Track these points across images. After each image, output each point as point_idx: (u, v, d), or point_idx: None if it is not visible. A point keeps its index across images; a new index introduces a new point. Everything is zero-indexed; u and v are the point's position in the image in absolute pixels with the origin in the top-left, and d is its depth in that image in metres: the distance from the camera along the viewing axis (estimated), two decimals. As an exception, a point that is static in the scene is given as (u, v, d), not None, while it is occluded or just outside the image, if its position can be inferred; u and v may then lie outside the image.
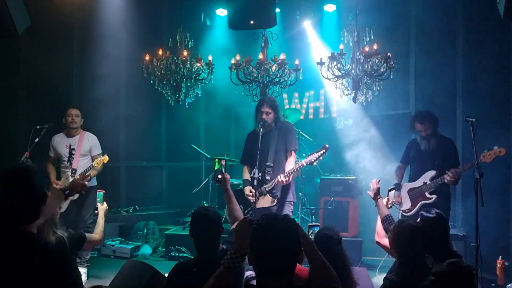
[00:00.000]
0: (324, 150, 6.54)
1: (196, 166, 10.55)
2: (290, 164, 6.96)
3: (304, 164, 6.58)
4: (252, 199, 6.75)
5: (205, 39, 9.76)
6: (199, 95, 7.72)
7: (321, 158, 6.58)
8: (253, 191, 6.70)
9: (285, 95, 10.81)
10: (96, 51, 9.00)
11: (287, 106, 10.79)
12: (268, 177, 6.92)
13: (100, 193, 5.52)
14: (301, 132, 9.51)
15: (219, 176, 5.08)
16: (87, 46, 9.09)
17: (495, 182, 7.05)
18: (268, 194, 6.86)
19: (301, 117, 10.32)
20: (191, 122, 10.71)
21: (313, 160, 6.51)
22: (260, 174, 6.66)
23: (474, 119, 5.64)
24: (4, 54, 8.35)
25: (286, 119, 7.89)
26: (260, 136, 6.82)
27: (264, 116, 7.02)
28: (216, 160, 5.19)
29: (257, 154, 6.67)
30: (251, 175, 6.71)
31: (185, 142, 10.47)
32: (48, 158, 7.28)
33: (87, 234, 5.10)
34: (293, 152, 7.11)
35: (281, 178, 6.66)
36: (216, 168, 5.16)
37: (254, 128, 7.20)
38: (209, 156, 9.65)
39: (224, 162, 5.15)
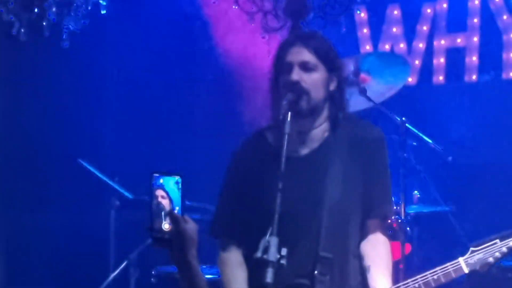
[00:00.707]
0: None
1: (90, 222, 7.50)
2: (378, 249, 3.33)
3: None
4: None
5: None
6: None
7: None
8: None
9: (365, 31, 7.71)
10: None
11: (366, 49, 7.61)
12: None
13: None
14: (410, 127, 5.62)
15: (166, 226, 2.24)
16: None
17: None
18: None
19: (410, 79, 6.79)
20: (82, 99, 7.74)
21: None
22: (282, 258, 2.83)
23: None
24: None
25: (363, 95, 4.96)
26: (285, 149, 3.03)
27: (294, 76, 3.26)
28: (157, 178, 2.29)
29: (278, 201, 2.94)
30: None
31: (55, 154, 7.56)
32: None
33: None
34: (382, 221, 3.45)
35: None
36: (155, 201, 2.28)
37: (259, 130, 3.53)
38: (129, 196, 6.22)
39: (177, 185, 2.27)
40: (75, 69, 7.69)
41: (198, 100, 8.22)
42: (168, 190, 2.30)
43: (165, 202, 2.30)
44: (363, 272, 3.34)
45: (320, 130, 3.42)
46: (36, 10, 5.42)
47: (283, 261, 2.82)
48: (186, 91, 8.07)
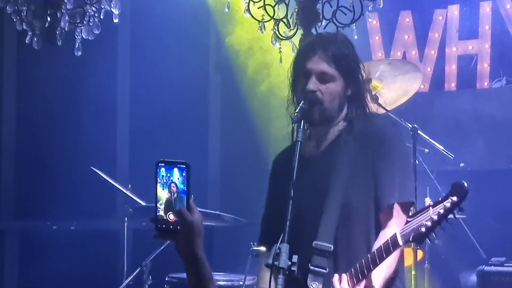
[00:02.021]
0: (455, 197, 3.01)
1: (104, 229, 7.61)
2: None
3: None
4: None
5: None
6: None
7: (451, 214, 3.03)
8: None
9: (377, 38, 7.78)
10: None
11: (378, 56, 7.70)
12: (315, 285, 3.16)
13: None
14: (421, 133, 5.56)
15: (171, 216, 2.18)
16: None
17: None
18: None
19: (422, 86, 6.74)
20: (95, 107, 7.79)
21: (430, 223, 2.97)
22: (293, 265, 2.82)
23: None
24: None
25: (376, 100, 4.84)
26: (297, 157, 3.04)
27: (312, 86, 3.30)
28: (162, 168, 2.25)
29: (289, 208, 2.98)
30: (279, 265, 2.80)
31: (69, 162, 7.64)
32: None
33: None
34: (395, 209, 3.33)
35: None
36: (160, 191, 2.23)
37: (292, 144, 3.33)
38: (142, 203, 6.01)
39: (184, 175, 2.21)
40: (88, 77, 7.72)
41: (212, 107, 8.24)
42: (174, 179, 2.25)
43: (170, 192, 2.24)
44: None
45: (335, 129, 3.44)
46: (49, 19, 5.45)
47: (294, 268, 2.83)
48: (200, 98, 8.08)
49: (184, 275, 5.81)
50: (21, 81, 8.06)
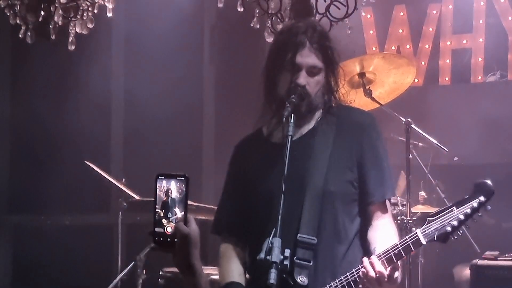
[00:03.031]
0: (482, 197, 3.07)
1: (98, 224, 7.55)
2: (383, 232, 3.25)
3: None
4: None
5: None
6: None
7: (473, 217, 3.08)
8: None
9: (371, 32, 7.78)
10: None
11: (372, 50, 7.72)
12: (302, 278, 3.07)
13: None
14: (415, 127, 5.55)
15: (168, 229, 2.22)
16: None
17: None
18: None
19: (416, 80, 6.75)
20: (89, 101, 7.79)
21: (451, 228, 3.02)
22: (285, 259, 2.80)
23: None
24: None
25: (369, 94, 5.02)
26: (289, 144, 3.01)
27: (301, 79, 3.25)
28: (162, 181, 2.24)
29: (280, 198, 2.92)
30: (266, 256, 2.77)
31: (63, 157, 7.58)
32: None
33: None
34: (386, 203, 3.34)
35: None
36: (158, 204, 2.24)
37: (260, 127, 3.48)
38: (136, 198, 5.99)
39: (182, 187, 2.21)
40: (82, 71, 7.71)
41: (206, 102, 8.23)
42: (173, 192, 2.27)
43: (168, 205, 2.27)
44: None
45: (312, 116, 3.40)
46: (42, 13, 5.44)
47: (286, 262, 2.82)
48: (194, 92, 8.07)
49: (176, 269, 5.80)
50: (14, 76, 8.05)
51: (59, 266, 7.25)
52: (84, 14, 5.51)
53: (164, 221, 2.27)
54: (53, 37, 5.64)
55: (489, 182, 3.15)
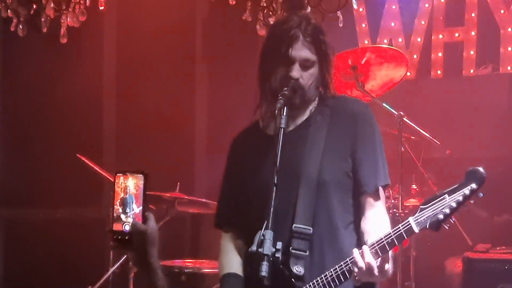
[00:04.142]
0: (474, 184, 3.08)
1: (89, 217, 7.50)
2: (375, 223, 3.24)
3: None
4: None
5: None
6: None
7: (465, 204, 3.07)
8: None
9: (363, 25, 7.77)
10: None
11: (364, 43, 7.69)
12: (298, 268, 3.08)
13: None
14: (407, 121, 5.63)
15: (127, 227, 2.21)
16: None
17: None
18: None
19: (408, 73, 6.49)
20: (81, 94, 7.65)
21: (443, 215, 3.00)
22: (277, 252, 2.87)
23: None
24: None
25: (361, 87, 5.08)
26: (281, 137, 3.05)
27: (294, 72, 3.26)
28: (120, 178, 2.27)
29: (272, 191, 2.96)
30: (257, 248, 2.84)
31: (55, 150, 7.54)
32: None
33: None
34: (380, 190, 3.33)
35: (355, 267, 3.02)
36: (117, 202, 2.25)
37: (256, 120, 3.47)
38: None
39: (140, 184, 2.20)
40: (74, 64, 7.68)
41: (198, 96, 8.22)
42: (131, 189, 2.27)
43: (127, 202, 2.26)
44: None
45: (306, 108, 3.41)
46: (34, 6, 5.42)
47: (278, 255, 2.85)
48: (187, 86, 8.06)
49: (171, 262, 5.80)
50: (6, 68, 8.02)
51: (51, 259, 7.24)
52: (76, 7, 5.50)
53: (122, 217, 2.26)
54: (44, 30, 5.63)
55: (481, 169, 3.16)
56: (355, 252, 3.08)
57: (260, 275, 2.79)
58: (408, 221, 3.07)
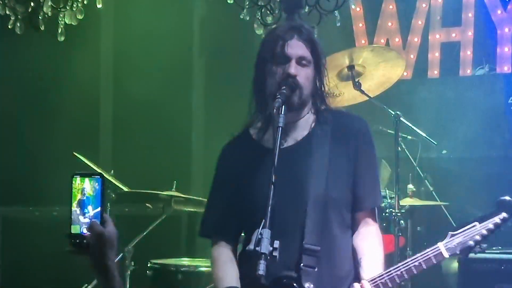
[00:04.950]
0: (505, 214, 3.14)
1: None
2: (369, 241, 3.30)
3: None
4: None
5: None
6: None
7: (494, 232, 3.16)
8: None
9: (360, 25, 7.84)
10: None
11: (361, 43, 7.70)
12: (309, 285, 3.10)
13: None
14: (404, 120, 5.61)
15: (85, 230, 2.18)
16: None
17: None
18: None
19: (405, 73, 6.68)
20: (78, 92, 7.72)
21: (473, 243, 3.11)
22: (274, 251, 2.79)
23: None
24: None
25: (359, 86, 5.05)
26: (279, 137, 3.01)
27: (292, 69, 3.23)
28: (77, 180, 2.22)
29: (270, 194, 2.90)
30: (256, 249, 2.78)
31: (51, 148, 7.58)
32: None
33: None
34: (375, 210, 3.40)
35: None
36: (75, 205, 2.20)
37: (246, 128, 3.45)
38: (125, 189, 5.99)
39: (97, 186, 2.20)
40: (71, 62, 7.68)
41: (196, 92, 8.22)
42: (88, 191, 2.23)
43: (84, 204, 2.22)
44: (354, 265, 3.30)
45: (304, 121, 3.39)
46: (32, 4, 5.42)
47: (275, 253, 2.81)
48: (184, 82, 8.06)
49: (167, 261, 5.81)
50: (3, 66, 8.01)
51: (47, 257, 7.23)
52: (74, 5, 5.49)
53: (80, 220, 2.22)
54: (42, 27, 5.63)
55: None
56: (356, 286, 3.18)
57: (257, 273, 2.77)
58: (438, 247, 3.20)
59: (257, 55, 3.45)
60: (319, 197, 3.25)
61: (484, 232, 3.20)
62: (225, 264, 3.42)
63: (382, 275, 3.16)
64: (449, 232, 3.23)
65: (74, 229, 2.22)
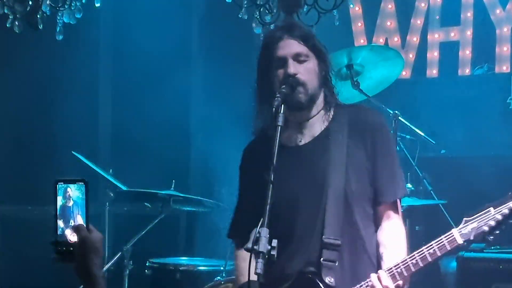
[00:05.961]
0: None
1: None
2: (391, 235, 3.33)
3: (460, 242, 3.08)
4: None
5: None
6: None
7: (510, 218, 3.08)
8: None
9: (359, 24, 7.84)
10: None
11: (360, 42, 7.72)
12: (330, 279, 3.12)
13: None
14: (403, 120, 5.58)
15: (72, 238, 2.17)
16: None
17: None
18: None
19: (404, 73, 6.89)
20: (77, 92, 7.73)
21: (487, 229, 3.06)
22: (272, 249, 2.75)
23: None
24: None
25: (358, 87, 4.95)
26: (278, 136, 2.99)
27: (290, 68, 3.23)
28: (60, 186, 2.22)
29: (269, 193, 2.90)
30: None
31: (50, 147, 7.58)
32: None
33: None
34: (397, 202, 3.39)
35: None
36: (59, 212, 2.20)
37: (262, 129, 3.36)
38: (124, 188, 6.00)
39: (81, 193, 2.19)
40: (70, 62, 7.67)
41: (194, 91, 8.22)
42: (73, 198, 2.22)
43: (69, 211, 2.21)
44: (378, 260, 3.35)
45: (319, 117, 3.40)
46: (30, 3, 5.41)
47: (273, 252, 2.80)
48: (183, 82, 8.05)
49: (165, 260, 5.81)
50: (1, 65, 8.01)
51: (46, 256, 7.22)
52: (72, 4, 5.48)
53: (65, 227, 2.21)
54: (40, 26, 5.62)
55: None
56: (373, 278, 3.17)
57: (255, 272, 2.78)
58: (452, 233, 3.16)
59: (257, 61, 3.46)
60: (338, 191, 3.28)
61: (499, 217, 3.13)
62: (246, 260, 3.40)
63: (398, 264, 3.18)
64: (464, 218, 3.19)
65: (60, 237, 2.22)
